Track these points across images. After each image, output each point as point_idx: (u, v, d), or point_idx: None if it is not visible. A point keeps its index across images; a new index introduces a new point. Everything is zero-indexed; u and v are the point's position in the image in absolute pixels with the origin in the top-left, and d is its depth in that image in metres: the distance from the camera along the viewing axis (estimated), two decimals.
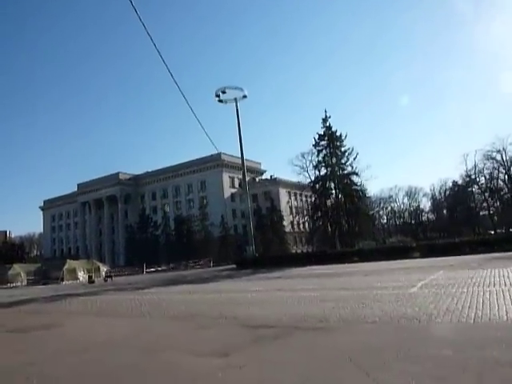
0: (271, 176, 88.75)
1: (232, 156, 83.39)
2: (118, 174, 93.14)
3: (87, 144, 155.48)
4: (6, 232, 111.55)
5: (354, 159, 46.75)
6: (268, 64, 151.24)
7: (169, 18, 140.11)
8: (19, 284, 43.95)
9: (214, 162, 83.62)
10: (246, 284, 16.42)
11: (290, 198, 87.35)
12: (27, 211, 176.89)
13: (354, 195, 45.87)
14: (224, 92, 33.82)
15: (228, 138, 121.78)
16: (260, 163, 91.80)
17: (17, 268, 48.96)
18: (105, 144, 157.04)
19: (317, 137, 47.61)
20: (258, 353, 4.85)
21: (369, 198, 52.03)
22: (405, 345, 4.62)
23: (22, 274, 46.89)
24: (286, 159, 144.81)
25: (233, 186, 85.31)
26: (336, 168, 46.19)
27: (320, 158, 47.59)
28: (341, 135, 47.36)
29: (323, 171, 47.74)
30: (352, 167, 47.04)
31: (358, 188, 47.17)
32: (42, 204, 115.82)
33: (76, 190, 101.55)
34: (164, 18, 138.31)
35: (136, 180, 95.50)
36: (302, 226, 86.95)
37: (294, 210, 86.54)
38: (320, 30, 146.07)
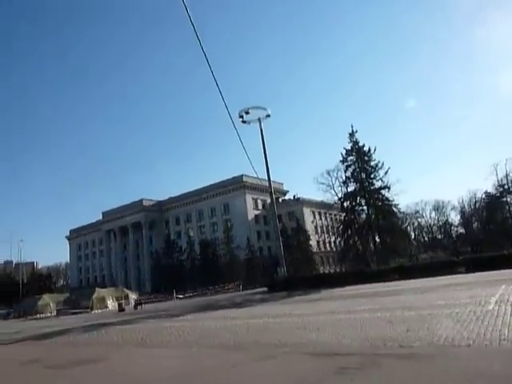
0: (294, 196, 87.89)
1: (254, 177, 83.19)
2: (141, 200, 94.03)
3: (110, 173, 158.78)
4: (33, 263, 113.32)
5: (386, 173, 45.48)
6: (288, 82, 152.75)
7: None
8: (49, 314, 43.84)
9: (237, 185, 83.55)
10: (288, 307, 15.42)
11: (314, 217, 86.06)
12: (53, 242, 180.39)
13: (386, 210, 44.45)
14: (247, 112, 33.46)
15: (246, 158, 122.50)
16: (282, 183, 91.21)
17: (46, 298, 49.09)
18: (128, 172, 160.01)
19: (344, 152, 46.73)
20: None
21: (402, 213, 50.40)
22: None
23: (52, 304, 46.91)
24: (306, 178, 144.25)
25: (256, 208, 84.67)
26: (365, 183, 45.09)
27: (348, 174, 46.51)
28: (369, 149, 46.33)
29: (352, 187, 46.66)
30: (383, 181, 45.73)
31: (391, 203, 45.79)
32: (68, 234, 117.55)
33: (101, 218, 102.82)
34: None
35: (159, 206, 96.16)
36: (328, 245, 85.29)
37: (319, 230, 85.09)
38: (334, 47, 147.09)
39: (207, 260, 70.78)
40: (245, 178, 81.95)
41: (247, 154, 25.81)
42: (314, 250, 75.06)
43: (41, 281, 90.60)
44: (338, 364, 5.01)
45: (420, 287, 16.13)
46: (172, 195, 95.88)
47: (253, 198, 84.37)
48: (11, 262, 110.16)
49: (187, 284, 61.53)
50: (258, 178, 73.79)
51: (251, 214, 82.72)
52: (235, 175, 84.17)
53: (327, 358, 5.52)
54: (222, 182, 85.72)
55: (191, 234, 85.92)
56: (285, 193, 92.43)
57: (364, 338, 6.53)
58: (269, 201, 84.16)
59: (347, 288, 22.63)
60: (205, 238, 79.47)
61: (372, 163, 45.79)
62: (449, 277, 20.65)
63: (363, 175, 45.20)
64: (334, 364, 5.06)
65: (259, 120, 34.02)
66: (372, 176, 45.69)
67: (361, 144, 46.07)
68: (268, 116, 34.08)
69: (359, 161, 45.37)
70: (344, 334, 7.14)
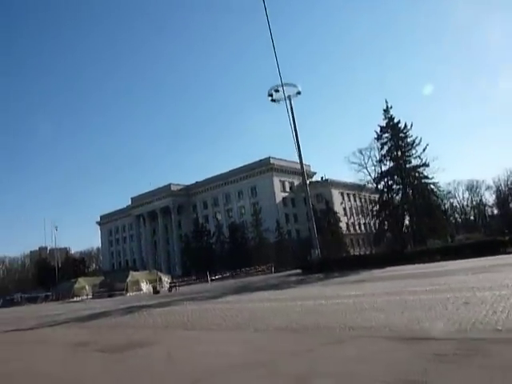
0: (322, 177, 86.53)
1: (281, 159, 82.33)
2: (169, 185, 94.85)
3: (139, 158, 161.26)
4: (66, 248, 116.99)
5: (424, 150, 43.43)
6: (318, 58, 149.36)
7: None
8: (85, 297, 44.86)
9: (264, 167, 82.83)
10: (331, 289, 14.79)
11: (343, 198, 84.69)
12: (85, 228, 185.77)
13: (425, 189, 42.78)
14: (277, 90, 32.50)
15: (273, 139, 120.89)
16: (309, 165, 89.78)
17: (82, 282, 50.33)
18: (156, 157, 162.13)
19: (379, 129, 44.89)
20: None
21: (442, 191, 48.40)
22: None
23: (87, 287, 48.01)
24: (333, 160, 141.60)
25: (284, 190, 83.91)
26: (401, 161, 43.37)
27: (384, 152, 44.73)
28: (405, 125, 44.27)
29: (387, 166, 45.11)
30: (420, 159, 43.86)
31: (430, 181, 43.89)
32: (99, 219, 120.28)
33: (130, 203, 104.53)
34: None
35: (187, 190, 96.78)
36: (358, 227, 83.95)
37: (348, 211, 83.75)
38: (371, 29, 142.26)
39: (236, 243, 71.04)
40: (272, 160, 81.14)
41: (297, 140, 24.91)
42: (344, 232, 74.10)
43: (75, 265, 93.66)
44: (432, 350, 4.30)
45: (472, 267, 15.11)
46: (198, 179, 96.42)
47: (280, 181, 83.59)
48: (46, 247, 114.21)
49: (217, 267, 61.91)
50: (281, 159, 72.87)
51: (279, 196, 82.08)
52: (262, 158, 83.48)
53: (413, 343, 4.79)
54: (249, 164, 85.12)
55: (219, 217, 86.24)
56: (312, 175, 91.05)
57: (445, 320, 5.77)
58: (296, 183, 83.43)
59: (387, 269, 21.79)
60: (234, 222, 79.69)
61: (409, 140, 43.99)
62: (499, 257, 19.48)
63: (399, 153, 43.47)
64: (427, 350, 4.34)
65: (289, 98, 32.93)
66: (408, 154, 43.96)
67: (396, 120, 44.27)
68: (299, 93, 32.99)
69: (395, 138, 43.60)
70: (417, 316, 6.38)
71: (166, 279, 45.04)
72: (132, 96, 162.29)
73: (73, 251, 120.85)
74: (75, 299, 43.37)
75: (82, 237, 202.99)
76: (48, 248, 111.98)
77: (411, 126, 44.86)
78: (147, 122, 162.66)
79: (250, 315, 9.28)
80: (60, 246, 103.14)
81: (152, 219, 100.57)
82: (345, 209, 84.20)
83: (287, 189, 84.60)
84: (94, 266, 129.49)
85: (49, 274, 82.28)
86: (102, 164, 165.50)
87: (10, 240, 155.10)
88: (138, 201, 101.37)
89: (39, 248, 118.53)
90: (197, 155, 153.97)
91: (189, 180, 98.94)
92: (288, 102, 33.19)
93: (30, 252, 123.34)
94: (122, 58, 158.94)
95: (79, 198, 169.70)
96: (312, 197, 78.28)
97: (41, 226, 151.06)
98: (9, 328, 13.15)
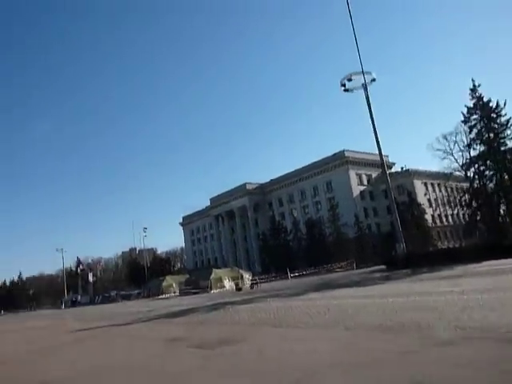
0: (402, 168, 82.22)
1: (356, 152, 79.80)
2: (245, 185, 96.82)
3: (217, 159, 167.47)
4: (153, 249, 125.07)
5: None
6: (395, 43, 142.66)
7: None
8: (172, 294, 47.31)
9: (338, 161, 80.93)
10: (421, 285, 13.76)
11: (427, 189, 79.55)
12: (169, 229, 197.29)
13: None
14: (350, 79, 31.38)
15: (345, 132, 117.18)
16: (388, 156, 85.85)
17: (169, 279, 53.30)
18: (230, 158, 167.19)
19: (465, 111, 41.11)
20: None
21: None
22: None
23: (174, 285, 50.68)
24: (413, 149, 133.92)
25: (361, 184, 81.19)
26: (494, 144, 39.27)
27: (473, 136, 40.87)
28: (497, 104, 39.69)
29: (477, 151, 41.31)
30: None
31: None
32: (181, 220, 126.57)
33: (209, 204, 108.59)
34: None
35: (262, 189, 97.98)
36: (445, 219, 78.45)
37: (433, 203, 78.50)
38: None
39: (314, 239, 70.22)
40: (346, 153, 78.93)
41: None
42: (430, 225, 69.62)
43: (161, 264, 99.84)
44: None
45: None
46: (272, 177, 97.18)
47: (356, 174, 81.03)
48: (135, 248, 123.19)
49: (295, 263, 61.71)
50: (355, 151, 70.00)
51: (356, 190, 79.60)
52: (336, 151, 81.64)
53: None
54: (323, 159, 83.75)
55: (295, 214, 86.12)
56: (391, 165, 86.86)
57: None
58: (374, 175, 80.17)
59: (485, 263, 19.81)
60: (310, 218, 78.94)
61: (502, 119, 39.60)
62: None
63: (491, 135, 39.42)
64: None
65: (364, 86, 31.55)
66: (502, 135, 39.51)
67: (486, 99, 39.95)
68: (373, 80, 31.47)
69: (485, 119, 39.54)
70: None
71: (247, 276, 45.88)
72: (198, 96, 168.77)
73: (159, 251, 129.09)
74: (163, 296, 45.93)
75: (168, 238, 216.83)
76: (137, 249, 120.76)
77: (505, 104, 40.34)
78: (217, 122, 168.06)
79: (338, 312, 8.88)
80: (148, 247, 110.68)
81: (230, 218, 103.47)
82: (429, 200, 79.08)
83: (364, 182, 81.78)
84: (178, 264, 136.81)
85: (139, 273, 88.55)
86: (182, 168, 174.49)
87: (104, 242, 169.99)
88: (216, 201, 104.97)
89: (130, 249, 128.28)
90: (267, 153, 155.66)
91: (261, 178, 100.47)
92: (364, 90, 31.97)
93: (122, 253, 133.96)
94: (181, 60, 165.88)
95: (164, 202, 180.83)
96: (393, 188, 74.27)
97: (131, 228, 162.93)
98: (108, 323, 14.14)
